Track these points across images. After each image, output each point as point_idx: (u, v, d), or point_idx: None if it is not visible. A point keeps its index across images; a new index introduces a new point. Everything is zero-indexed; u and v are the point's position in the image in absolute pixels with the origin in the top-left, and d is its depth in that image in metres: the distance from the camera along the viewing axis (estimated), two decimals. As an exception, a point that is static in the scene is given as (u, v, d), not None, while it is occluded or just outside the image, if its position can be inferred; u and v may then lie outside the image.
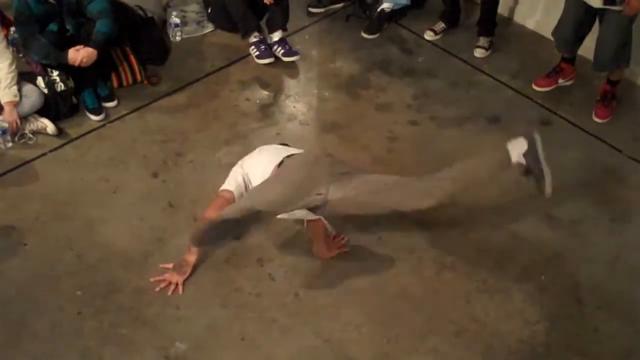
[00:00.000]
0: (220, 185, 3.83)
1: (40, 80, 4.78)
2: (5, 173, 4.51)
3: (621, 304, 3.86)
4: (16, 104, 4.60)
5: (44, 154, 4.65)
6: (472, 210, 4.31)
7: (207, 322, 3.72)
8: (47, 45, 4.66)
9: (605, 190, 4.55)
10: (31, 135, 4.73)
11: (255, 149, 4.04)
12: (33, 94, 4.71)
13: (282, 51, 5.49)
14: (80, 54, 4.62)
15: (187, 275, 3.89)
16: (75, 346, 3.59)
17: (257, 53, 5.51)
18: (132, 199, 4.38)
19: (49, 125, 4.74)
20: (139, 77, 5.23)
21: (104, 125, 4.91)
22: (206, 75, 5.41)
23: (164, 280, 3.86)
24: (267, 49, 5.52)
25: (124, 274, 3.93)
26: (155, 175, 4.53)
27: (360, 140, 4.83)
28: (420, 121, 5.05)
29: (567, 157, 4.74)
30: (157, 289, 3.83)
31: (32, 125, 4.73)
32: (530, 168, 3.60)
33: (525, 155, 3.61)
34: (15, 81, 4.60)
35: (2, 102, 4.58)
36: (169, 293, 3.80)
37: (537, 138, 3.61)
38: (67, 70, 4.81)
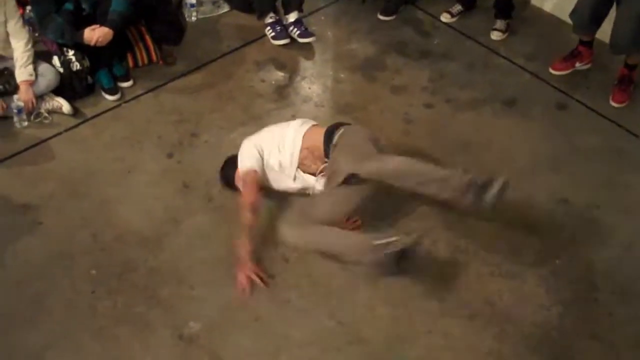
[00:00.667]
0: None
1: (55, 60, 4.79)
2: (21, 152, 4.53)
3: (636, 289, 3.84)
4: (32, 83, 4.61)
5: (59, 133, 4.67)
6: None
7: (221, 303, 3.73)
8: (62, 25, 4.64)
9: (621, 175, 4.52)
10: (47, 115, 4.74)
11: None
12: (49, 73, 4.72)
13: (298, 32, 5.47)
14: (96, 34, 4.62)
15: (247, 265, 3.81)
16: (89, 325, 3.61)
17: (273, 34, 5.50)
18: (147, 179, 4.39)
19: (64, 105, 4.74)
20: (154, 57, 5.22)
21: (119, 105, 4.92)
22: (222, 56, 5.40)
23: (241, 286, 3.78)
24: (282, 30, 5.50)
25: (139, 254, 3.94)
26: (170, 155, 4.54)
27: (376, 123, 4.80)
28: (436, 104, 5.04)
29: (583, 141, 4.72)
30: (243, 297, 3.76)
31: (47, 105, 4.74)
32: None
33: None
34: (31, 60, 4.62)
35: (18, 81, 4.59)
36: (247, 289, 3.77)
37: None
38: (83, 49, 4.80)
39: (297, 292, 3.79)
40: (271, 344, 3.56)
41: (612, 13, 4.80)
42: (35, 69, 4.65)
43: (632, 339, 3.63)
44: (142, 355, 3.50)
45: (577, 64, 5.24)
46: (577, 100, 5.08)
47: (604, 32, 4.93)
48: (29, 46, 4.61)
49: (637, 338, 3.64)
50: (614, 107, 5.00)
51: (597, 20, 4.95)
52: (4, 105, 4.56)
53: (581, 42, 5.20)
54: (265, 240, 3.99)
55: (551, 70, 5.28)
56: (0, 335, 3.56)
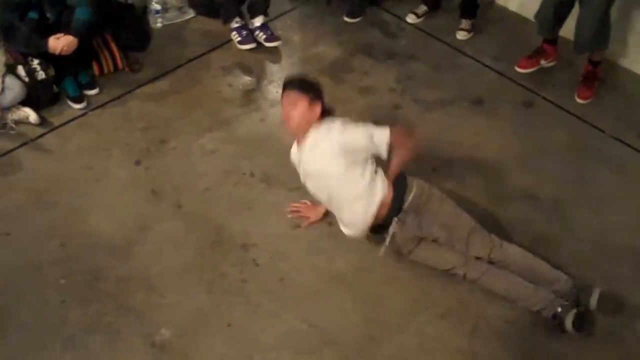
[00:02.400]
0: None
1: (20, 69, 4.75)
2: (-14, 163, 4.49)
3: (606, 284, 3.86)
4: (-4, 95, 4.58)
5: (25, 143, 4.62)
6: (457, 192, 4.31)
7: (192, 309, 3.71)
8: (27, 34, 4.59)
9: (588, 170, 4.55)
10: (13, 125, 4.69)
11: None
12: (15, 86, 4.68)
13: (264, 36, 5.47)
14: (60, 42, 4.57)
15: (319, 218, 4.14)
16: (60, 335, 3.58)
17: (239, 39, 5.49)
18: (115, 187, 4.36)
19: (31, 114, 4.70)
20: (120, 65, 5.19)
21: (85, 113, 4.88)
22: (188, 62, 5.39)
23: (298, 210, 4.16)
24: (249, 35, 5.50)
25: (108, 262, 3.92)
26: (138, 162, 4.51)
27: (344, 125, 4.80)
28: (404, 104, 5.05)
29: (550, 138, 4.76)
30: (289, 215, 4.17)
31: (14, 115, 4.69)
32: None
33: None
34: (1, 74, 4.59)
35: (-19, 92, 4.55)
36: (291, 216, 4.16)
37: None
38: (48, 58, 4.75)
39: (269, 295, 3.77)
40: (244, 348, 3.55)
41: (575, 12, 4.85)
42: (2, 82, 4.61)
43: (601, 336, 3.65)
44: (114, 363, 3.48)
45: (542, 62, 5.28)
46: (544, 98, 5.11)
47: (569, 29, 4.96)
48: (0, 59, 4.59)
49: (606, 334, 3.66)
50: (580, 103, 5.03)
51: (560, 21, 5.02)
52: None
53: (545, 40, 5.24)
54: (234, 245, 3.99)
55: (517, 69, 5.31)
56: (-32, 349, 3.52)
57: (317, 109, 3.75)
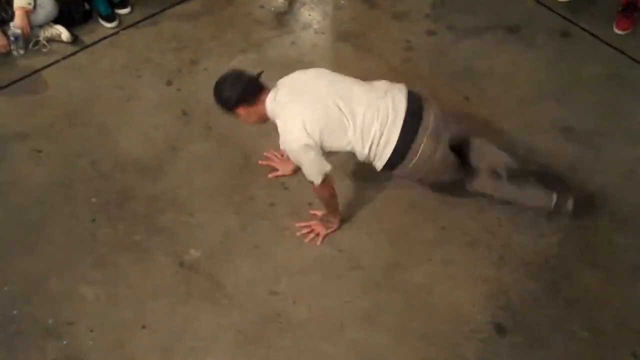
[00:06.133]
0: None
1: (52, -14, 4.73)
2: (18, 80, 4.50)
3: (636, 216, 3.84)
4: (28, 12, 4.54)
5: (57, 61, 4.63)
6: (490, 122, 4.27)
7: (220, 230, 3.74)
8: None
9: (623, 103, 4.48)
10: (45, 43, 4.70)
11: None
12: (47, 4, 4.67)
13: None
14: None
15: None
16: (90, 252, 3.63)
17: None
18: (146, 107, 4.36)
19: (63, 32, 4.70)
20: (152, -16, 5.15)
21: (117, 32, 4.87)
22: (221, -18, 5.33)
23: (309, 226, 3.75)
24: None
25: (138, 182, 3.95)
26: (169, 83, 4.50)
27: (376, 50, 4.76)
28: (438, 30, 4.97)
29: (586, 69, 4.67)
30: (299, 233, 3.74)
31: (46, 33, 4.69)
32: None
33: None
34: None
35: (14, 7, 4.52)
36: (306, 240, 3.71)
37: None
38: (80, -24, 4.74)
39: (297, 219, 3.79)
40: (271, 270, 3.59)
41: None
42: (34, 0, 4.59)
43: (631, 266, 3.64)
44: (143, 282, 3.53)
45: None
46: (581, 28, 5.00)
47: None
48: None
49: (636, 265, 3.64)
50: (618, 34, 4.93)
51: None
52: (6, 42, 4.55)
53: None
54: (264, 169, 4.00)
55: (556, -5, 5.21)
56: (1, 262, 3.59)
57: (254, 106, 3.41)
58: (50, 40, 4.71)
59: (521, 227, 3.77)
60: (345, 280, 3.56)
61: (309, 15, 5.08)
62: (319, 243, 3.70)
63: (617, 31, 4.95)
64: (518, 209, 3.78)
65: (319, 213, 3.78)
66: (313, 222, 3.76)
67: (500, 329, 3.38)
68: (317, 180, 3.41)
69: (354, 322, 3.41)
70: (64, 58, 4.65)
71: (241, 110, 3.41)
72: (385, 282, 3.56)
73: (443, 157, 3.48)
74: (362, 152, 3.42)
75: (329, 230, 3.74)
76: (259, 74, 3.45)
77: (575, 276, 3.59)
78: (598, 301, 3.50)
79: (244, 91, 3.36)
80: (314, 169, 3.37)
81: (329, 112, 3.32)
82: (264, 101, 3.39)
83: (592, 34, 4.95)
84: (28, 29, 4.56)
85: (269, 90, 3.42)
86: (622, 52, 4.81)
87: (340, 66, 3.92)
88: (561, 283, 3.56)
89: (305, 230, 3.75)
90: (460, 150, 3.66)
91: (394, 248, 3.70)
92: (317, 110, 3.32)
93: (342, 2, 5.21)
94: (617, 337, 3.37)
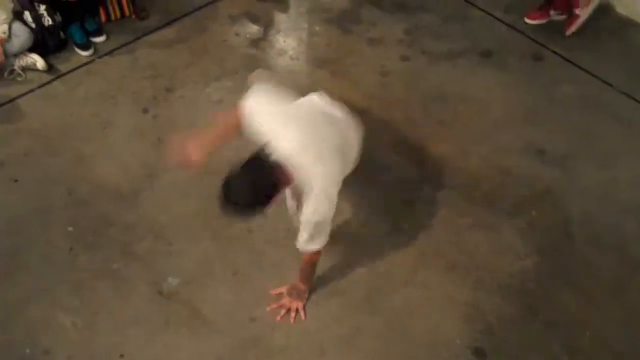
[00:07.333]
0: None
1: (27, 15, 4.70)
2: (-6, 109, 4.48)
3: (612, 238, 3.88)
4: (3, 40, 4.53)
5: (32, 90, 4.61)
6: (465, 146, 4.31)
7: (199, 258, 3.74)
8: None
9: (595, 125, 4.53)
10: (21, 72, 4.68)
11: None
12: (23, 33, 4.65)
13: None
14: (67, -13, 4.56)
15: (307, 299, 3.60)
16: (67, 280, 3.61)
17: (247, -13, 5.43)
18: (122, 135, 4.35)
19: (38, 61, 4.69)
20: (127, 12, 5.17)
21: (93, 60, 4.87)
22: (195, 10, 5.34)
23: (282, 307, 3.54)
24: (257, -17, 5.43)
25: (116, 210, 3.93)
26: (145, 111, 4.50)
27: (352, 76, 4.79)
28: (412, 56, 5.01)
29: (559, 92, 4.74)
30: (279, 318, 3.50)
31: (22, 62, 4.68)
32: None
33: None
34: (9, 20, 4.56)
35: (-11, 36, 4.53)
36: (292, 322, 3.50)
37: None
38: (55, 4, 4.73)
39: (275, 245, 3.79)
40: (250, 296, 3.58)
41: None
42: (10, 29, 4.58)
43: (608, 286, 3.67)
44: (121, 310, 3.51)
45: (552, 13, 5.23)
46: (553, 52, 5.07)
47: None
48: (11, 6, 4.58)
49: (613, 286, 3.68)
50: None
51: None
52: None
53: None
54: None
55: (527, 20, 5.28)
56: (-22, 290, 3.56)
57: (284, 189, 3.11)
58: (26, 69, 4.70)
59: (498, 250, 3.80)
60: (324, 305, 3.57)
61: (284, 42, 5.10)
62: (304, 318, 3.52)
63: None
64: (495, 232, 3.82)
65: (283, 289, 3.57)
66: (285, 301, 3.55)
67: (479, 353, 3.40)
68: (322, 245, 3.23)
69: (334, 347, 3.41)
70: (39, 87, 4.63)
71: (274, 201, 3.02)
72: (364, 307, 3.56)
73: None
74: None
75: (305, 301, 3.56)
76: (268, 154, 3.03)
77: (553, 298, 3.62)
78: (577, 322, 3.54)
79: (267, 195, 2.99)
80: (326, 236, 3.20)
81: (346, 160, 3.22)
82: (289, 178, 3.00)
83: (564, 58, 5.02)
84: (3, 58, 4.55)
85: (285, 165, 2.96)
86: (594, 75, 4.87)
87: (316, 92, 3.94)
88: (539, 305, 3.59)
89: (283, 312, 3.52)
90: None
91: (371, 273, 3.71)
92: (338, 162, 3.11)
93: (317, 28, 5.25)
94: (596, 358, 3.40)
